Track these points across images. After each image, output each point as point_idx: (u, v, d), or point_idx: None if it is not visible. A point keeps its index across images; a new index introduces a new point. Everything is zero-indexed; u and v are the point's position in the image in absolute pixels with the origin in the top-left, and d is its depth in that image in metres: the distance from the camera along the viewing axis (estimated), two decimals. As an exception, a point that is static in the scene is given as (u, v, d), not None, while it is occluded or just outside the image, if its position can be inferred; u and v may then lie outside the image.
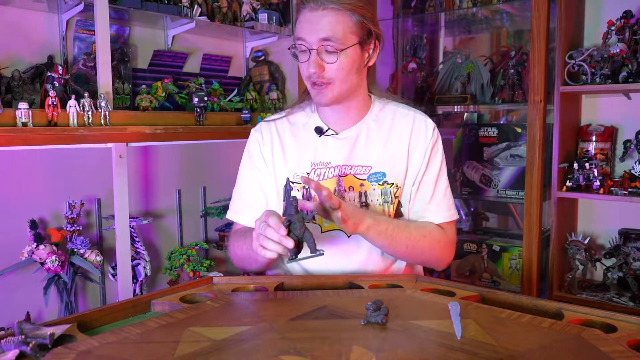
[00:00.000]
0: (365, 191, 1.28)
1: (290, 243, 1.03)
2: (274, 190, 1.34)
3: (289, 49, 1.26)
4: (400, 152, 1.30)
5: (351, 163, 1.30)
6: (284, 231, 1.02)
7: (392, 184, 1.29)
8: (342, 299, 1.02)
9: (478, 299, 1.05)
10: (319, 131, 1.32)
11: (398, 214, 1.32)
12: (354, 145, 1.31)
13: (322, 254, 1.05)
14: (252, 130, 1.41)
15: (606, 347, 0.78)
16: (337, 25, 1.18)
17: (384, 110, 1.35)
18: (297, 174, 1.30)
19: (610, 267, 2.15)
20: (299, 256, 1.06)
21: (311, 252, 1.05)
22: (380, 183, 1.28)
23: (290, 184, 1.29)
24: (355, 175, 1.29)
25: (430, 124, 1.33)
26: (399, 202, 1.31)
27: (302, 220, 1.06)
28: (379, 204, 1.28)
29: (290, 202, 1.05)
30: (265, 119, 1.42)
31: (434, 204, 1.31)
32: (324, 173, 1.29)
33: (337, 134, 1.32)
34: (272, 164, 1.34)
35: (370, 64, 1.29)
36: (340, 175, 1.29)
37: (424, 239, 1.25)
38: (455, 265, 2.54)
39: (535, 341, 0.81)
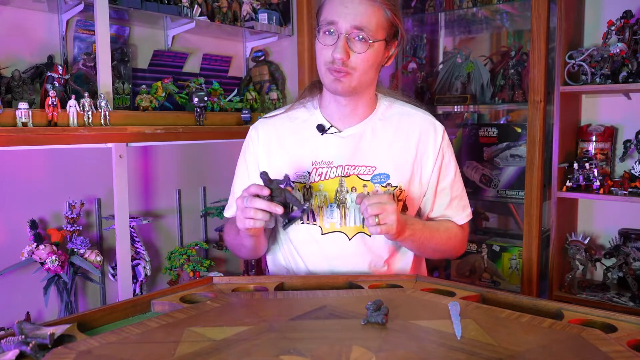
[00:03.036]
0: (369, 193, 1.25)
1: (279, 209, 1.07)
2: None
3: (316, 27, 1.21)
4: (406, 155, 1.27)
5: (355, 163, 1.26)
6: (266, 191, 1.07)
7: (396, 186, 1.25)
8: (342, 299, 1.02)
9: (478, 299, 1.05)
10: (321, 129, 1.28)
11: None
12: (358, 145, 1.27)
13: (309, 207, 1.12)
14: (251, 127, 1.39)
15: (606, 347, 0.78)
16: (372, 16, 1.16)
17: (390, 110, 1.32)
18: (298, 173, 1.28)
19: (610, 267, 2.15)
20: (289, 219, 1.11)
21: (298, 209, 1.10)
22: (384, 185, 1.25)
23: (291, 183, 1.28)
24: (359, 176, 1.26)
25: (439, 127, 1.31)
26: (404, 204, 1.28)
27: (278, 185, 1.09)
28: None
29: (262, 177, 1.09)
30: (265, 116, 1.39)
31: (452, 208, 1.33)
32: (326, 172, 1.27)
33: (340, 132, 1.29)
34: (266, 163, 1.32)
35: (388, 64, 1.28)
36: (342, 176, 1.26)
37: (450, 241, 1.30)
38: (455, 265, 2.54)
39: (535, 341, 0.81)
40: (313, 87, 1.35)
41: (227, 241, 1.40)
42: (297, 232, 1.29)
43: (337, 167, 1.27)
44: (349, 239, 1.26)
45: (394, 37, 1.24)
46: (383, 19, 1.18)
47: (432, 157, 1.28)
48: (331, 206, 1.26)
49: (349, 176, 1.26)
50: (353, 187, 1.26)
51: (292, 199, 1.09)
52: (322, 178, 1.27)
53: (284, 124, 1.34)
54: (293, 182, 1.28)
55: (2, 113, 1.51)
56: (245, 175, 1.36)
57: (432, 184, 1.30)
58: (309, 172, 1.27)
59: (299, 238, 1.29)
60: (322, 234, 1.27)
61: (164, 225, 2.27)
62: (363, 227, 1.26)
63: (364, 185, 1.26)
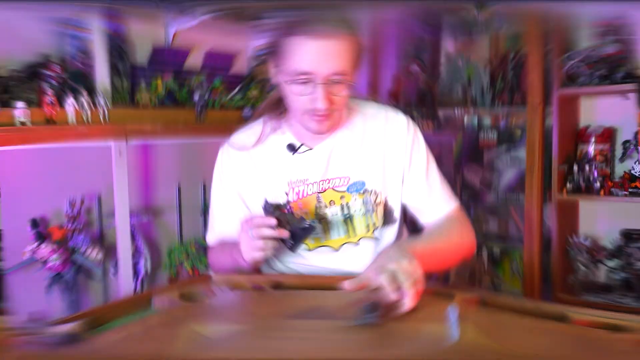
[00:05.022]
0: (347, 203, 1.24)
1: (285, 233, 1.07)
2: (245, 212, 1.31)
3: (285, 81, 1.13)
4: (376, 156, 1.25)
5: (328, 177, 1.25)
6: (273, 221, 1.06)
7: (371, 191, 1.24)
8: (339, 299, 1.01)
9: (478, 302, 1.04)
10: (292, 148, 1.26)
11: (389, 220, 1.28)
12: (329, 158, 1.25)
13: (314, 226, 1.11)
14: (221, 150, 1.35)
15: (612, 348, 0.78)
16: (347, 54, 1.08)
17: (354, 116, 1.28)
18: (277, 195, 1.26)
19: (612, 268, 2.14)
20: (295, 240, 1.10)
21: (304, 229, 1.09)
22: (361, 192, 1.24)
23: (270, 205, 1.27)
24: (335, 188, 1.25)
25: (402, 120, 1.26)
26: (389, 207, 1.27)
27: (279, 211, 1.10)
28: (362, 214, 1.25)
29: (266, 209, 1.12)
30: (234, 139, 1.33)
31: (435, 197, 1.28)
32: (303, 190, 1.25)
33: (311, 149, 1.26)
34: (243, 185, 1.30)
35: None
36: (319, 192, 1.25)
37: (459, 245, 1.27)
38: (456, 268, 2.54)
39: (538, 343, 0.81)
40: (274, 107, 1.29)
41: (216, 267, 1.33)
42: (284, 252, 1.26)
43: (312, 184, 1.25)
44: (336, 251, 1.26)
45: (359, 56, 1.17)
46: (355, 48, 1.11)
47: (401, 151, 1.25)
48: (313, 223, 1.24)
49: (324, 191, 1.25)
50: (331, 200, 1.25)
51: (293, 220, 1.10)
52: (300, 196, 1.25)
53: (255, 146, 1.30)
54: (271, 204, 1.26)
55: (0, 113, 1.51)
56: (224, 201, 1.35)
57: (406, 178, 1.27)
58: (286, 193, 1.26)
59: (287, 258, 1.28)
60: (309, 250, 1.26)
61: (164, 222, 2.26)
62: (348, 237, 1.26)
63: (342, 197, 1.24)
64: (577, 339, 0.81)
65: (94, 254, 1.79)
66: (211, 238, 1.38)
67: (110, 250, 2.02)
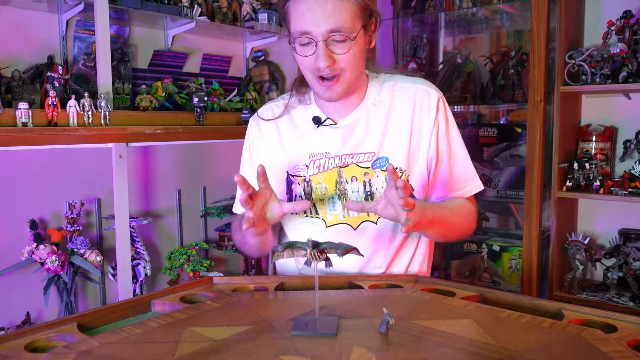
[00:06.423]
0: (370, 179, 1.22)
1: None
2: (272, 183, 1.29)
3: (290, 42, 1.16)
4: (402, 132, 1.23)
5: (352, 152, 1.23)
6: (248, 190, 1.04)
7: (397, 168, 1.21)
8: (342, 299, 1.02)
9: (478, 299, 1.04)
10: (317, 121, 1.26)
11: None
12: (353, 133, 1.24)
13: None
14: (251, 120, 1.36)
15: (606, 347, 0.78)
16: (344, 12, 1.08)
17: (381, 90, 1.27)
18: (298, 167, 1.26)
19: (610, 267, 2.15)
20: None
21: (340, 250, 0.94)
22: (384, 169, 1.21)
23: (291, 177, 1.27)
24: (359, 164, 1.23)
25: (433, 96, 1.25)
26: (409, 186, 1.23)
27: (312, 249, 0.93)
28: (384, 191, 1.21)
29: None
30: (263, 113, 1.34)
31: (458, 180, 1.26)
32: (324, 164, 1.24)
33: (335, 123, 1.26)
34: (268, 156, 1.30)
35: (372, 45, 1.22)
36: (340, 166, 1.23)
37: (465, 219, 1.24)
38: (455, 265, 2.55)
39: (535, 341, 0.81)
40: (300, 84, 1.30)
41: (233, 239, 1.37)
42: (302, 226, 1.27)
43: (334, 158, 1.24)
44: (354, 229, 1.24)
45: (370, 17, 1.17)
46: (355, 7, 1.11)
47: (428, 130, 1.23)
48: (332, 198, 1.24)
49: (347, 166, 1.23)
50: (353, 176, 1.22)
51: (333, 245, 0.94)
52: (320, 170, 1.24)
53: (283, 118, 1.31)
54: (293, 175, 1.27)
55: (2, 113, 1.51)
56: (250, 169, 1.34)
57: (432, 158, 1.25)
58: (306, 165, 1.25)
59: (304, 233, 1.26)
60: (326, 227, 1.25)
61: (164, 225, 2.27)
62: (368, 215, 1.23)
63: (365, 173, 1.22)
64: (573, 337, 0.82)
65: (93, 256, 1.80)
66: (237, 209, 1.38)
67: (109, 253, 2.03)
